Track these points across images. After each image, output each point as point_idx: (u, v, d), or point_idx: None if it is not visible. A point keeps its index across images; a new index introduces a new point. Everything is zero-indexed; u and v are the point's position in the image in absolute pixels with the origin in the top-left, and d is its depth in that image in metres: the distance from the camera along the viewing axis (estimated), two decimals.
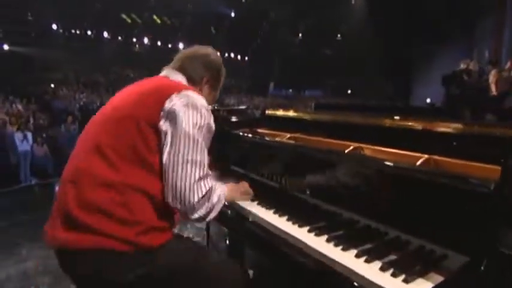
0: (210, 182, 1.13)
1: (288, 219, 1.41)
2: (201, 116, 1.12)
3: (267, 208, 1.53)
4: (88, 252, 0.99)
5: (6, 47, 14.81)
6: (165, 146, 1.08)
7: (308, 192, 1.53)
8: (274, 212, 1.49)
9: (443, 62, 12.81)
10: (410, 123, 1.63)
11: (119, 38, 15.40)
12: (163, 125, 1.09)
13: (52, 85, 14.73)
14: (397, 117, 1.70)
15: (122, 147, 1.07)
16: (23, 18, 14.12)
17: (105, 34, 15.80)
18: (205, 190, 1.10)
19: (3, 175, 6.64)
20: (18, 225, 4.03)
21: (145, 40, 17.47)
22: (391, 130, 1.69)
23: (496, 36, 10.63)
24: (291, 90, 21.93)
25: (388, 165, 1.24)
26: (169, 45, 17.87)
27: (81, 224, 0.99)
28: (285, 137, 2.16)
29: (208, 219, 1.15)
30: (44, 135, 8.08)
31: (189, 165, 1.07)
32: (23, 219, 4.21)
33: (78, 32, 15.30)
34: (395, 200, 1.21)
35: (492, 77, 4.79)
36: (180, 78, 1.30)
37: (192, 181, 1.06)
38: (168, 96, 1.11)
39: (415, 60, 15.86)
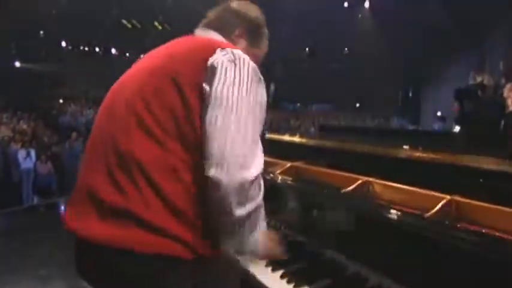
0: (261, 163, 0.87)
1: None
2: (252, 77, 0.90)
3: None
4: (143, 255, 0.77)
5: (18, 63, 15.09)
6: (209, 109, 0.85)
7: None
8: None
9: (453, 74, 12.57)
10: (428, 155, 1.42)
11: (127, 54, 15.57)
12: (208, 84, 0.87)
13: (61, 100, 14.91)
14: (414, 149, 1.48)
15: (165, 117, 0.86)
16: (34, 35, 14.41)
17: (113, 51, 16.01)
18: (259, 168, 0.84)
19: (5, 194, 6.56)
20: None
21: None
22: (406, 162, 1.49)
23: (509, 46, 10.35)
24: (298, 105, 21.81)
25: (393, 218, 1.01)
26: None
27: (135, 218, 0.78)
28: (286, 166, 1.97)
29: (245, 224, 0.85)
30: (49, 152, 8.02)
31: (241, 129, 0.83)
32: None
33: (86, 48, 15.53)
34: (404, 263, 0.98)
35: (507, 91, 4.55)
36: (211, 34, 1.09)
37: (248, 148, 0.82)
38: (212, 50, 0.92)
39: (424, 72, 15.60)
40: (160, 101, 0.87)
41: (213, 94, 0.86)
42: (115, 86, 1.04)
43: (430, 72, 15.08)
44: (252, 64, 0.94)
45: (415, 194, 1.36)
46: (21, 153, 7.21)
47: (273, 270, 1.29)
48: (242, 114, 0.84)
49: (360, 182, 1.56)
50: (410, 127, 15.05)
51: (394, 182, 1.46)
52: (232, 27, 1.14)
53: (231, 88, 0.86)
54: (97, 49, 15.80)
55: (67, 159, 8.19)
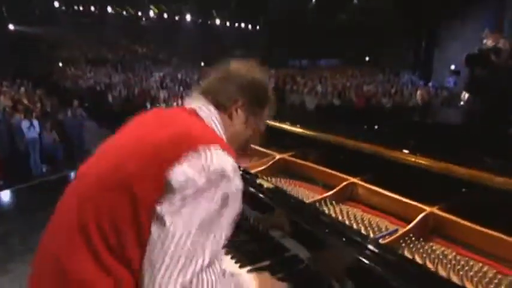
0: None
1: None
2: (223, 192, 0.79)
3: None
4: None
5: (11, 26, 14.72)
6: (155, 229, 0.75)
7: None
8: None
9: (468, 27, 11.89)
10: (421, 161, 1.38)
11: (124, 12, 14.95)
12: (162, 205, 0.76)
13: (60, 64, 14.72)
14: (409, 152, 1.43)
15: (113, 237, 0.77)
16: None
17: (109, 9, 15.38)
18: None
19: (14, 165, 6.76)
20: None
21: (151, 13, 16.91)
22: (396, 166, 1.46)
23: None
24: (306, 61, 21.14)
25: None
26: (176, 18, 17.29)
27: None
28: (274, 158, 1.97)
29: None
30: (51, 121, 8.09)
31: (180, 262, 0.73)
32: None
33: (81, 8, 14.95)
34: None
35: None
36: (209, 109, 0.98)
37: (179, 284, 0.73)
38: (179, 156, 0.78)
39: (438, 24, 14.73)
40: (111, 216, 0.78)
41: (159, 214, 0.76)
42: (84, 167, 0.92)
43: (443, 27, 14.25)
44: (225, 168, 0.80)
45: (397, 202, 1.36)
46: (25, 124, 7.29)
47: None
48: (188, 240, 0.74)
49: (344, 183, 1.56)
50: (421, 83, 14.61)
51: (382, 184, 1.46)
52: (231, 97, 1.01)
53: (185, 210, 0.75)
54: (92, 8, 15.20)
55: (70, 127, 8.29)
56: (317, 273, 1.09)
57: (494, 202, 1.18)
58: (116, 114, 9.61)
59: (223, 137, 0.98)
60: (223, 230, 0.80)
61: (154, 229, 0.75)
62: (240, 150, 1.09)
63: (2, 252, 3.48)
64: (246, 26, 20.16)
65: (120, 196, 0.78)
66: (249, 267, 1.28)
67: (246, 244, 1.43)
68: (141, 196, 0.77)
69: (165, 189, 0.76)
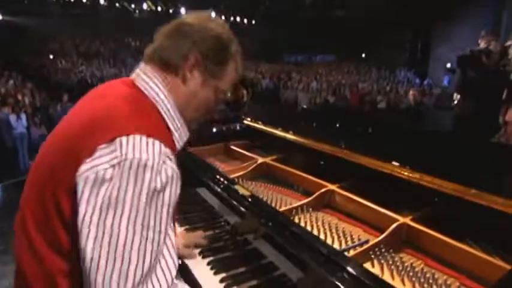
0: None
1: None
2: (142, 181, 0.69)
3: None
4: None
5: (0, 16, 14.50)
6: (80, 238, 0.69)
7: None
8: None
9: (466, 25, 11.93)
10: (398, 171, 1.40)
11: (117, 4, 14.78)
12: (79, 207, 0.69)
13: (51, 56, 14.54)
14: (388, 161, 1.44)
15: (48, 229, 0.75)
16: None
17: (101, 0, 15.20)
18: None
19: (1, 160, 6.70)
20: None
21: (144, 6, 16.73)
22: (375, 175, 1.48)
23: None
24: (302, 56, 21.08)
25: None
26: (171, 11, 17.13)
27: None
28: (256, 162, 1.98)
29: None
30: (39, 116, 8.02)
31: (115, 274, 0.66)
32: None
33: None
34: None
35: None
36: (150, 74, 0.86)
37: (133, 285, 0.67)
38: (88, 150, 0.71)
39: (435, 22, 14.75)
40: (43, 209, 0.75)
41: (80, 221, 0.69)
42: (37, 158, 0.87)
43: (441, 24, 14.28)
44: (146, 159, 0.70)
45: (372, 211, 1.38)
46: (12, 118, 7.22)
47: (203, 257, 1.38)
48: (119, 251, 0.66)
49: (322, 190, 1.57)
50: (417, 80, 14.68)
51: (360, 192, 1.48)
52: (182, 55, 0.87)
53: (103, 217, 0.67)
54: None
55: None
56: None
57: (466, 215, 1.20)
58: None
59: (169, 108, 0.86)
60: (158, 229, 0.71)
61: (82, 240, 0.68)
62: (204, 116, 0.98)
63: None
64: (242, 20, 20.03)
65: (44, 191, 0.75)
66: (224, 274, 1.29)
67: (222, 250, 1.44)
68: (61, 197, 0.72)
69: (80, 189, 0.69)
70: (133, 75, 0.89)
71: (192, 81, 0.89)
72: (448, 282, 1.02)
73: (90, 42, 16.72)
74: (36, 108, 8.61)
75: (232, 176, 1.83)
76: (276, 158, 2.04)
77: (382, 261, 1.13)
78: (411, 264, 1.12)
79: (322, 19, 17.66)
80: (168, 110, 0.86)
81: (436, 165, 1.34)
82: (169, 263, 0.75)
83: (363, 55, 19.55)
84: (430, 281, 1.03)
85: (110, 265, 0.66)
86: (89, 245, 0.67)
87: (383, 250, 1.16)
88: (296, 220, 1.40)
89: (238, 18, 19.68)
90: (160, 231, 0.72)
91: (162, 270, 0.73)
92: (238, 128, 2.55)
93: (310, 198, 1.53)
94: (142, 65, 0.91)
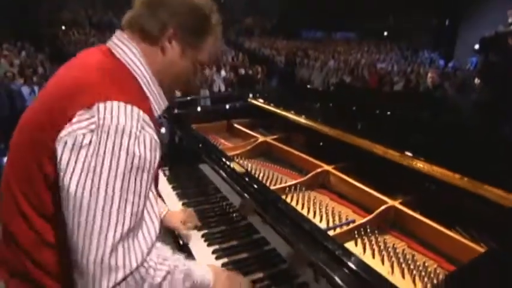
0: (139, 255, 0.75)
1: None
2: (125, 151, 0.72)
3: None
4: None
5: None
6: (62, 203, 0.73)
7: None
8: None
9: (495, 4, 11.35)
10: (393, 155, 1.43)
11: None
12: (60, 172, 0.73)
13: (63, 27, 14.67)
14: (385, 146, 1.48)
15: (33, 192, 0.80)
16: None
17: None
18: (127, 269, 0.72)
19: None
20: None
21: None
22: (372, 158, 1.52)
23: None
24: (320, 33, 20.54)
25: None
26: None
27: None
28: (257, 141, 2.03)
29: None
30: None
31: (95, 232, 0.70)
32: None
33: None
34: None
35: None
36: (127, 43, 0.89)
37: (113, 248, 0.71)
38: (66, 116, 0.74)
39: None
40: (27, 173, 0.79)
41: (60, 184, 0.73)
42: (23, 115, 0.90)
43: (469, 4, 13.61)
44: (124, 124, 0.73)
45: (363, 192, 1.42)
46: (25, 90, 7.43)
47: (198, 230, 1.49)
48: (97, 210, 0.71)
49: (318, 170, 1.63)
50: (442, 62, 14.19)
51: (354, 174, 1.53)
52: (159, 25, 0.88)
53: (83, 177, 0.70)
54: None
55: None
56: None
57: (454, 201, 1.24)
58: None
59: (146, 76, 0.89)
60: (138, 194, 0.75)
61: (63, 205, 0.73)
62: (182, 87, 1.01)
63: None
64: None
65: (27, 156, 0.79)
66: (217, 246, 1.39)
67: (216, 224, 1.53)
68: (43, 161, 0.76)
69: (59, 154, 0.72)
70: (109, 43, 0.92)
71: (170, 51, 0.91)
72: (427, 264, 1.07)
73: (102, 14, 16.76)
74: (47, 80, 8.80)
75: (232, 153, 1.90)
76: (276, 137, 2.09)
77: (366, 241, 1.18)
78: (393, 245, 1.17)
79: None
80: (146, 78, 0.89)
81: (434, 153, 1.37)
82: (150, 226, 0.79)
83: (385, 33, 18.96)
84: (409, 262, 1.08)
85: (90, 225, 0.70)
86: (69, 208, 0.71)
87: (368, 231, 1.22)
88: (288, 199, 1.46)
89: None
90: (140, 195, 0.75)
91: (143, 233, 0.77)
92: (242, 106, 2.60)
93: (304, 178, 1.59)
94: (118, 32, 0.93)
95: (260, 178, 1.65)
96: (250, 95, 2.60)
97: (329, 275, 0.90)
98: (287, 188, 1.53)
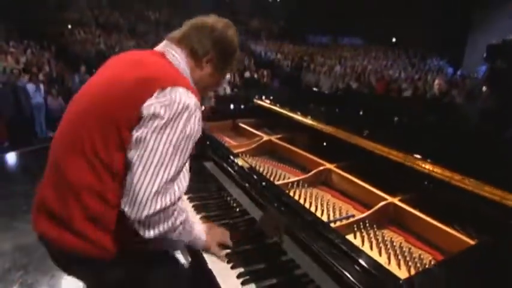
0: (173, 198, 1.02)
1: None
2: (184, 122, 1.03)
3: None
4: (72, 253, 1.08)
5: None
6: (132, 151, 1.01)
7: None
8: None
9: (505, 12, 11.42)
10: (393, 154, 1.50)
11: None
12: (137, 130, 1.02)
13: (69, 26, 14.90)
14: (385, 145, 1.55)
15: (104, 152, 1.05)
16: None
17: None
18: (164, 204, 1.00)
19: (18, 129, 7.06)
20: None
21: None
22: (372, 158, 1.59)
23: None
24: (327, 38, 20.68)
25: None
26: None
27: (66, 225, 1.05)
28: (261, 140, 2.11)
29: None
30: (56, 86, 8.35)
31: (150, 171, 0.99)
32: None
33: None
34: None
35: None
36: (178, 54, 1.19)
37: (157, 188, 0.99)
38: (149, 93, 1.03)
39: (474, 6, 14.14)
40: (102, 135, 1.04)
41: (136, 137, 1.01)
42: (76, 97, 1.19)
43: (478, 12, 13.67)
44: (191, 105, 1.04)
45: (364, 190, 1.49)
46: (30, 88, 7.57)
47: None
48: (156, 157, 0.99)
49: (321, 168, 1.70)
50: (450, 69, 14.24)
51: (355, 172, 1.59)
52: (204, 49, 1.21)
53: (154, 134, 1.00)
54: None
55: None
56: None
57: (451, 199, 1.30)
58: None
59: (190, 79, 1.18)
60: (184, 155, 1.04)
61: (132, 151, 1.01)
62: (203, 94, 1.29)
63: (7, 211, 3.81)
64: None
65: (105, 123, 1.05)
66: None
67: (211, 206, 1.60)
68: (121, 124, 1.03)
69: (139, 119, 1.02)
70: (162, 49, 1.21)
71: (205, 70, 1.24)
72: (422, 256, 1.14)
73: (109, 14, 17.01)
74: (53, 78, 8.95)
75: (237, 151, 1.98)
76: (281, 137, 2.17)
77: (364, 234, 1.25)
78: (391, 239, 1.24)
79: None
80: (190, 81, 1.19)
81: (434, 153, 1.43)
82: (184, 179, 1.08)
83: (393, 39, 19.04)
84: (405, 254, 1.15)
85: (147, 165, 0.99)
86: (138, 149, 1.00)
87: (367, 225, 1.29)
88: (290, 193, 1.53)
89: None
90: (184, 155, 1.05)
91: (180, 183, 1.06)
92: (247, 106, 2.69)
93: (307, 175, 1.66)
94: (169, 43, 1.22)
95: (264, 174, 1.72)
96: (256, 96, 2.68)
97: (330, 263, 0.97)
98: (289, 184, 1.60)
